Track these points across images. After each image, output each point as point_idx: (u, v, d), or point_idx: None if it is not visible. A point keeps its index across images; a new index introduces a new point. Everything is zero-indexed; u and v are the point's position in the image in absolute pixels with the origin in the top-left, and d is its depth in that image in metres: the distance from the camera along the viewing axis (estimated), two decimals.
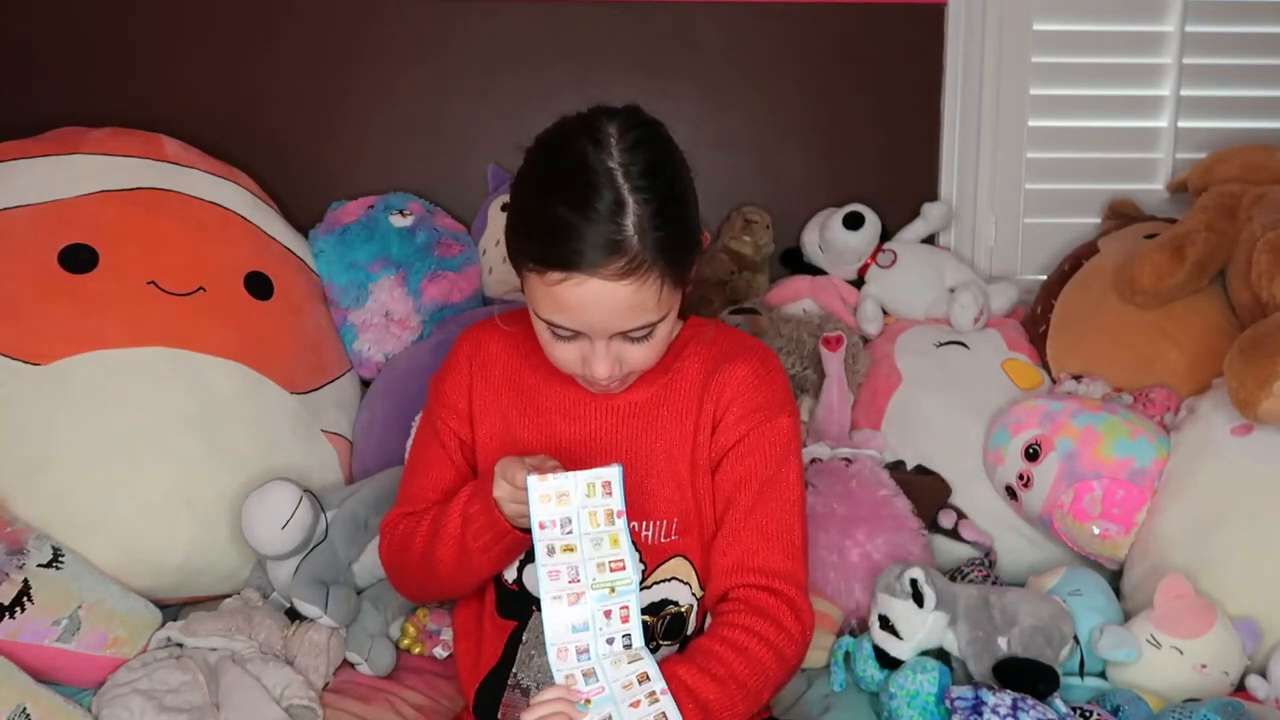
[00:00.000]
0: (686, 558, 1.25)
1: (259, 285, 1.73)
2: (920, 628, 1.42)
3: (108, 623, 1.43)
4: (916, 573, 1.43)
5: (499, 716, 1.25)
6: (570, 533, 1.07)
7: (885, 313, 2.00)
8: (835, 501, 1.64)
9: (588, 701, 1.07)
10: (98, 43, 1.96)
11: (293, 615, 1.52)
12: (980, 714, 1.25)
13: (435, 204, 2.00)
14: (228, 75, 1.99)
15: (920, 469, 1.78)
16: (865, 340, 1.94)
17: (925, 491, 1.74)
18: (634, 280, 1.07)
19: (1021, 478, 1.65)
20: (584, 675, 1.08)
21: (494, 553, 1.19)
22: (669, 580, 1.24)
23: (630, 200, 1.06)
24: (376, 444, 1.77)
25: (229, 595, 1.59)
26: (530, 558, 1.22)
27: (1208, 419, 1.57)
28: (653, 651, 1.22)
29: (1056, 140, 2.08)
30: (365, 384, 1.89)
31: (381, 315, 1.86)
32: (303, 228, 1.92)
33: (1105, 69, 2.04)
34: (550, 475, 1.07)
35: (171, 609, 1.59)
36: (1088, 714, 1.30)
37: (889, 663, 1.43)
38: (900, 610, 1.43)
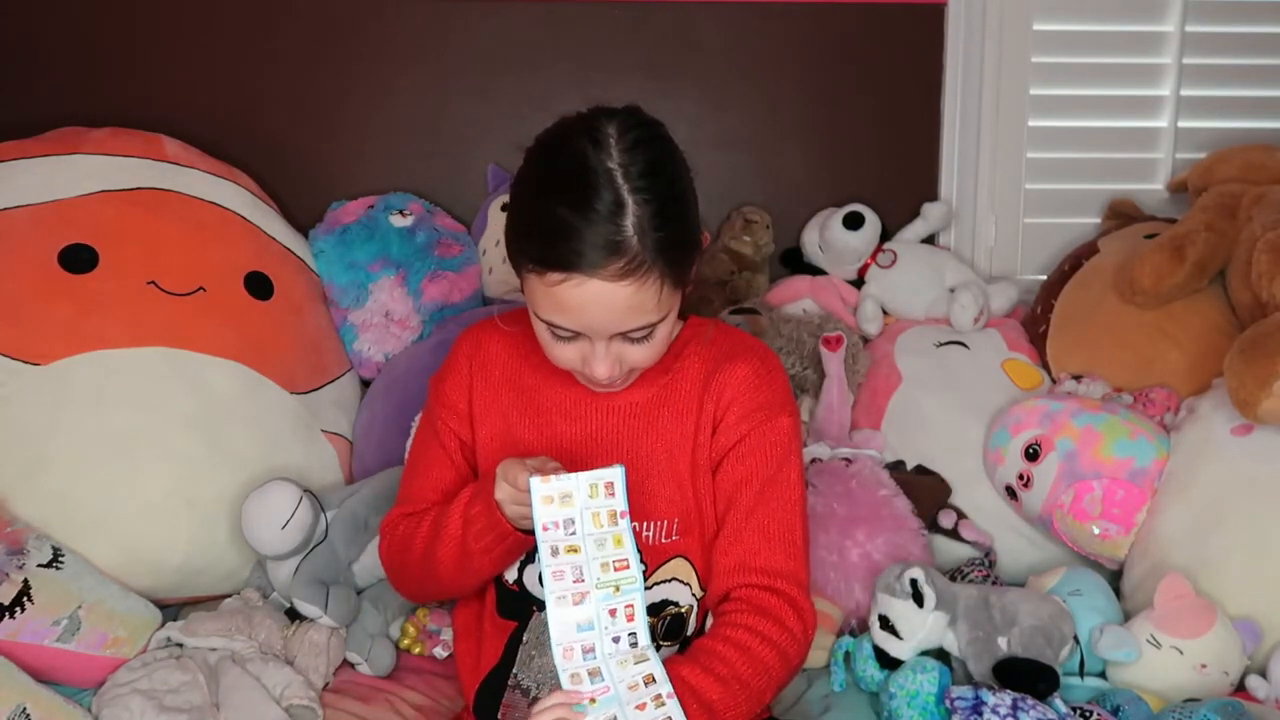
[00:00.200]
0: (687, 558, 1.25)
1: (259, 285, 1.73)
2: (920, 628, 1.42)
3: (108, 623, 1.43)
4: (916, 573, 1.43)
5: (499, 717, 1.25)
6: (573, 534, 1.07)
7: (885, 313, 2.00)
8: (835, 501, 1.64)
9: (592, 701, 1.07)
10: (98, 43, 1.96)
11: (293, 615, 1.52)
12: (980, 714, 1.25)
13: (435, 204, 2.00)
14: (228, 75, 1.99)
15: (920, 469, 1.78)
16: (865, 340, 1.94)
17: (925, 491, 1.74)
18: (634, 281, 1.07)
19: (1021, 478, 1.65)
20: (589, 674, 1.08)
21: (496, 554, 1.19)
22: (669, 581, 1.24)
23: (630, 200, 1.06)
24: (376, 444, 1.77)
25: (229, 595, 1.59)
26: (531, 558, 1.22)
27: (1208, 419, 1.57)
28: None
29: (1056, 140, 2.08)
30: (365, 384, 1.89)
31: (381, 315, 1.86)
32: (303, 228, 1.92)
33: (1105, 69, 2.04)
34: (553, 477, 1.07)
35: (171, 609, 1.59)
36: (1088, 714, 1.30)
37: (889, 663, 1.43)
38: (900, 610, 1.43)
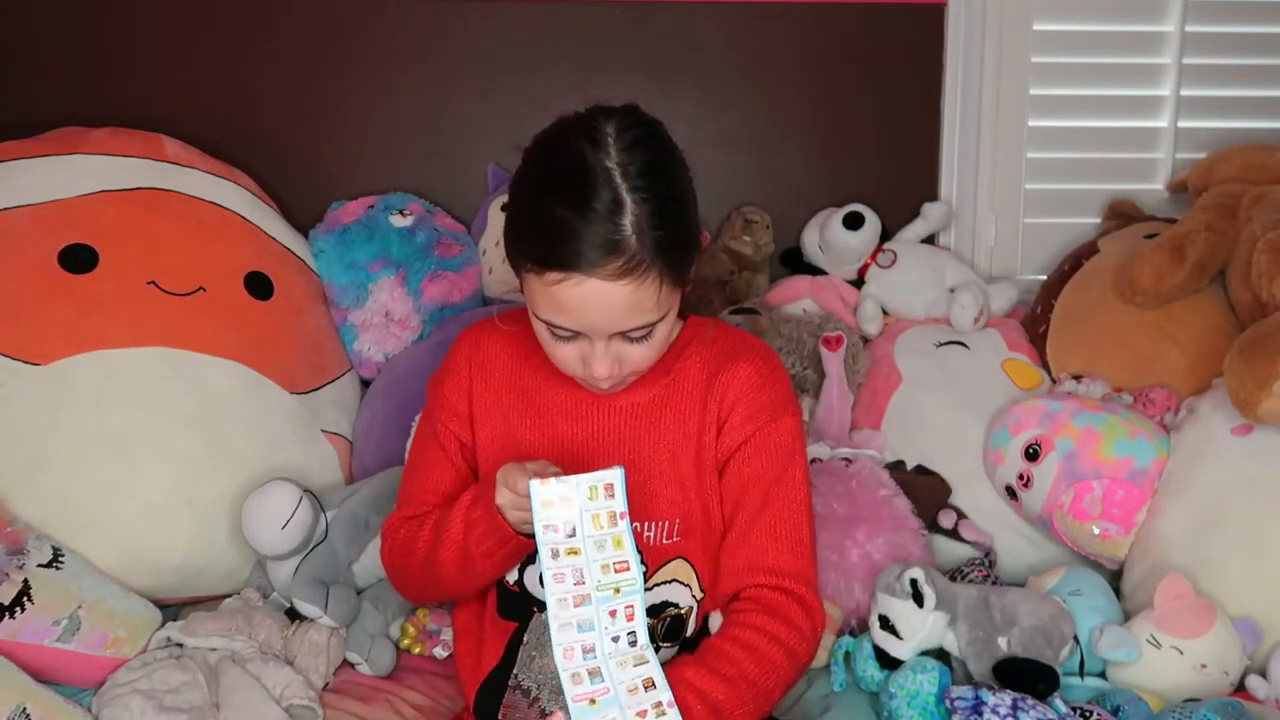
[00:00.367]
0: (687, 560, 1.25)
1: (259, 285, 1.73)
2: (920, 628, 1.42)
3: (108, 623, 1.43)
4: (916, 573, 1.43)
5: (500, 717, 1.25)
6: (574, 535, 1.07)
7: (885, 313, 2.00)
8: (835, 501, 1.64)
9: (592, 702, 1.07)
10: (98, 43, 1.96)
11: (293, 615, 1.52)
12: (980, 714, 1.25)
13: (435, 204, 2.00)
14: (228, 75, 1.99)
15: (920, 469, 1.78)
16: (865, 340, 1.94)
17: (925, 491, 1.74)
18: (632, 280, 1.06)
19: (1021, 478, 1.65)
20: (589, 674, 1.08)
21: (498, 558, 1.19)
22: (669, 582, 1.24)
23: (628, 200, 1.06)
24: (376, 444, 1.77)
25: (229, 595, 1.59)
26: (532, 559, 1.22)
27: (1208, 419, 1.57)
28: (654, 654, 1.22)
29: (1056, 140, 2.07)
30: (365, 384, 1.89)
31: (381, 315, 1.86)
32: (303, 228, 1.92)
33: (1105, 69, 2.04)
34: (552, 480, 1.07)
35: (171, 609, 1.59)
36: (1088, 714, 1.30)
37: (889, 663, 1.43)
38: (900, 610, 1.43)
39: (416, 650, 1.57)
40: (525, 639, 1.25)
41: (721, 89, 2.05)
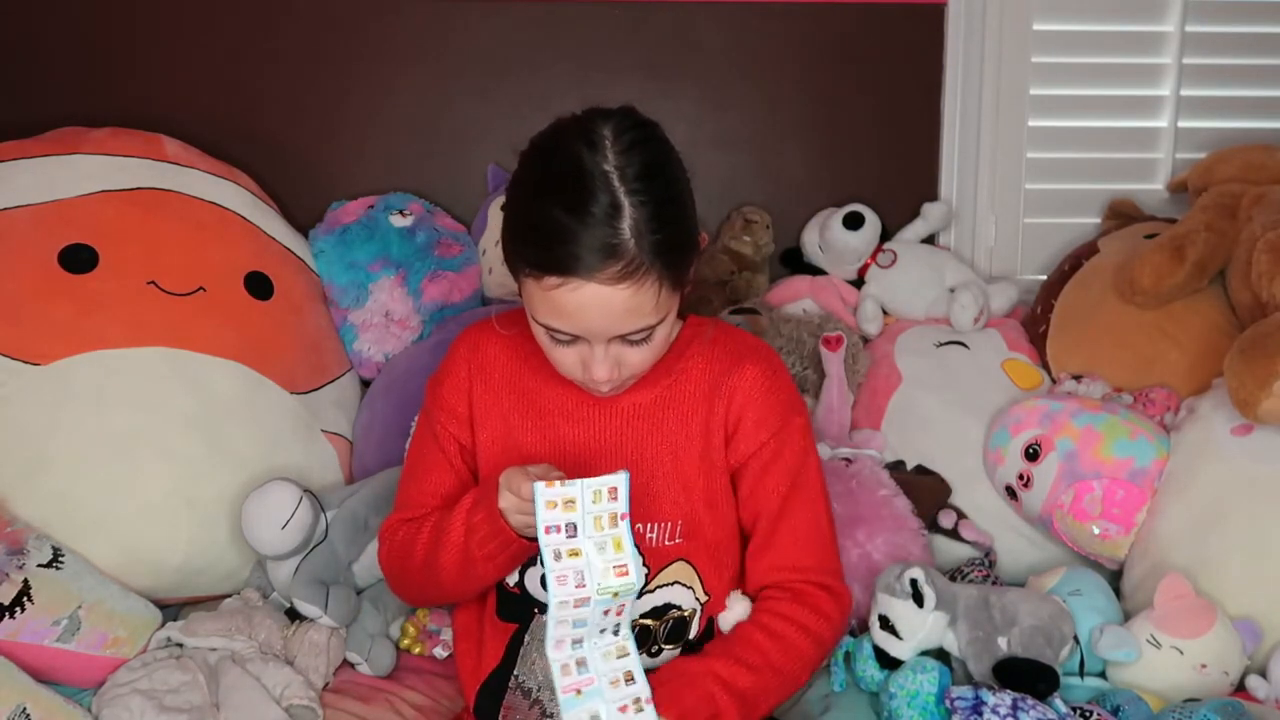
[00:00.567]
0: (690, 562, 1.25)
1: (259, 285, 1.73)
2: (920, 628, 1.42)
3: (108, 623, 1.43)
4: (916, 573, 1.43)
5: (500, 718, 1.25)
6: (575, 537, 1.08)
7: (885, 313, 2.00)
8: (835, 501, 1.61)
9: (579, 692, 1.10)
10: (98, 43, 1.96)
11: (293, 615, 1.52)
12: (980, 714, 1.25)
13: (435, 204, 2.00)
14: (228, 75, 1.99)
15: (920, 469, 1.78)
16: (865, 340, 1.94)
17: (925, 491, 1.74)
18: (631, 283, 1.06)
19: (1021, 478, 1.65)
20: (577, 664, 1.12)
21: (499, 561, 1.18)
22: (672, 584, 1.24)
23: (626, 203, 1.05)
24: (376, 444, 1.77)
25: (229, 595, 1.59)
26: (533, 561, 1.22)
27: (1208, 419, 1.57)
28: (655, 655, 1.23)
29: (1056, 140, 2.07)
30: (365, 384, 1.89)
31: (381, 315, 1.86)
32: (303, 228, 1.92)
33: (1105, 69, 2.04)
34: (557, 483, 1.07)
35: (171, 609, 1.59)
36: (1088, 714, 1.30)
37: (889, 663, 1.43)
38: (900, 610, 1.43)
39: (416, 650, 1.57)
40: (525, 640, 1.25)
41: (721, 89, 2.05)
